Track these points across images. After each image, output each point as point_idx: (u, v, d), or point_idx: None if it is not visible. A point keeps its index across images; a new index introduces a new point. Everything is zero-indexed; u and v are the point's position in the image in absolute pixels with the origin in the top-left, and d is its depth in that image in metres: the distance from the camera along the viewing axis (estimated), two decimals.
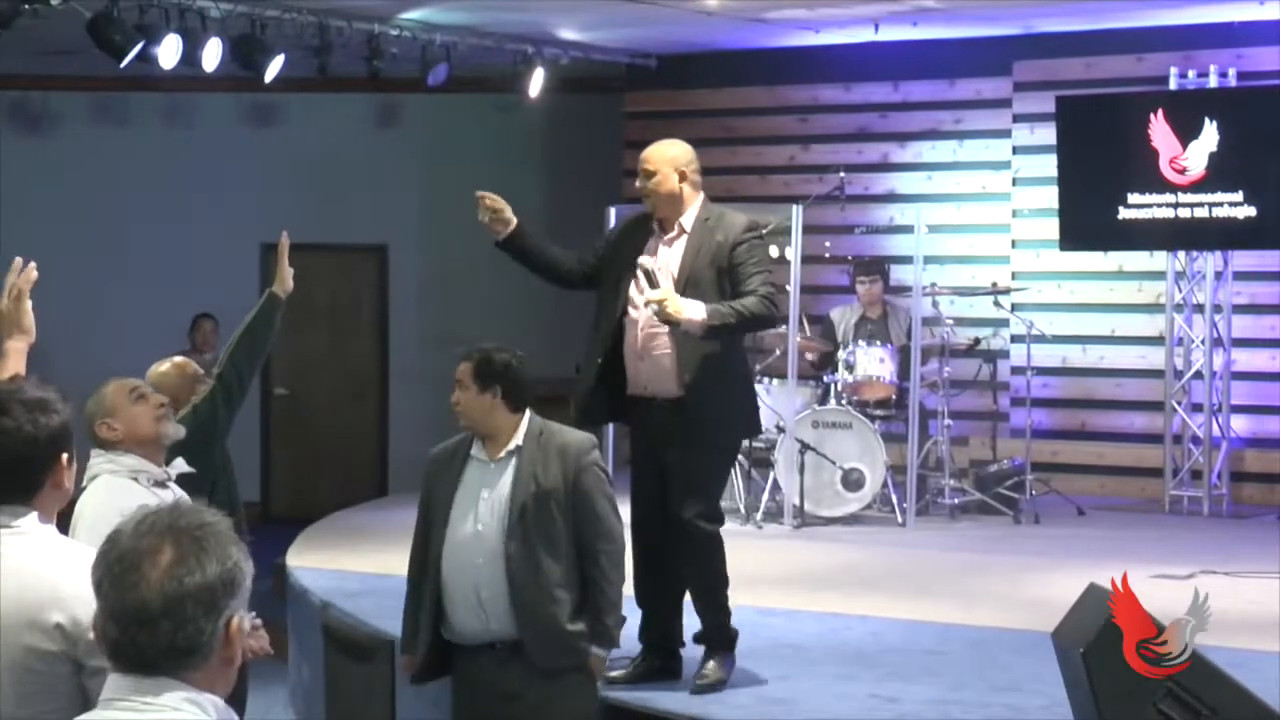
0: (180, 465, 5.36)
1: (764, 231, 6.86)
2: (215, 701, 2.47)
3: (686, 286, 6.50)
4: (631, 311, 6.62)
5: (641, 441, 6.84)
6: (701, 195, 6.75)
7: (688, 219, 6.67)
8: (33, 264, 4.12)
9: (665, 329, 6.51)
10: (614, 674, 6.60)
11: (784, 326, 11.16)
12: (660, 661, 6.78)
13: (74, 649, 3.12)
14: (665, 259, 6.63)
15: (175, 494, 5.09)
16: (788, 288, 10.98)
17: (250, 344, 6.55)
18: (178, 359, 6.48)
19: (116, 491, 4.98)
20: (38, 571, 3.18)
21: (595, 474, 5.72)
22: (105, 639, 2.46)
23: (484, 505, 5.67)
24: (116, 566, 2.44)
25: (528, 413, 5.76)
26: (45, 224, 13.88)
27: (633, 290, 6.60)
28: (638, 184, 6.76)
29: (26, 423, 3.28)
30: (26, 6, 9.89)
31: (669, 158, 6.69)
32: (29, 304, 4.11)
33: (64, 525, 3.53)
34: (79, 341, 12.64)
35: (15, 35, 10.33)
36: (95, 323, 14.00)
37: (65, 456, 3.35)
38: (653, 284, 6.46)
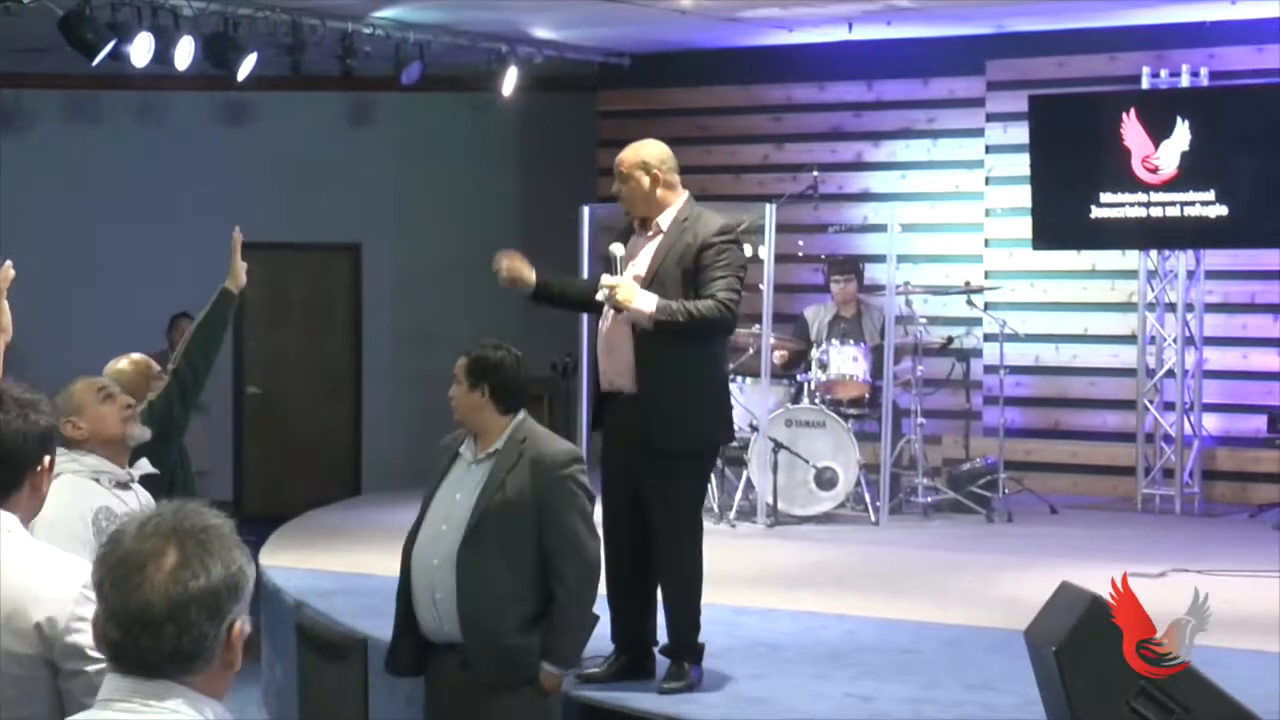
0: (144, 466, 5.27)
1: (738, 233, 6.85)
2: (214, 705, 2.46)
3: (653, 284, 6.52)
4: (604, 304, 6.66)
5: (609, 438, 6.81)
6: (684, 195, 6.76)
7: (666, 218, 6.69)
8: (9, 263, 4.11)
9: (627, 324, 6.54)
10: (587, 673, 6.60)
11: (757, 326, 11.18)
12: (633, 661, 6.76)
13: (49, 651, 3.11)
14: (641, 258, 6.66)
15: (138, 495, 5.02)
16: (761, 286, 10.99)
17: (204, 340, 6.54)
18: (136, 356, 6.45)
19: (78, 492, 4.90)
20: (16, 575, 3.16)
21: (567, 488, 5.62)
22: (105, 640, 2.43)
23: (455, 505, 5.65)
24: (119, 569, 2.41)
25: (519, 415, 5.73)
26: (17, 223, 13.80)
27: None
28: (614, 188, 6.79)
29: (17, 417, 3.26)
30: None
31: (639, 160, 6.72)
32: (5, 303, 4.09)
33: None
34: (54, 342, 12.58)
35: None
36: (70, 323, 13.91)
37: (48, 460, 3.34)
38: (615, 271, 6.53)
